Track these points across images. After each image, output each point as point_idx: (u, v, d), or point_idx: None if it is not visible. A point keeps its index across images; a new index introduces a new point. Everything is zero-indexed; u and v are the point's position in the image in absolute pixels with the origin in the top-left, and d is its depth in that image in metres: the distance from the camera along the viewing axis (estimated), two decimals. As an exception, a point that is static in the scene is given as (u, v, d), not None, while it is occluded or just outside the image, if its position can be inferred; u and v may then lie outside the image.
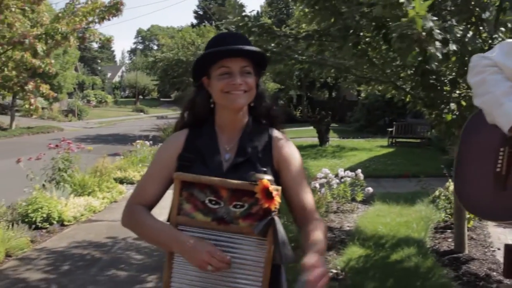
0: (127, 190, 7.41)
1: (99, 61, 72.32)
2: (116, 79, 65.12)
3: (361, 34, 3.51)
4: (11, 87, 4.88)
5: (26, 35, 4.43)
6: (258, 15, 3.78)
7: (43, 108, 24.66)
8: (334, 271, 3.76)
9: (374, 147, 13.92)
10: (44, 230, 5.15)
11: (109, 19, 5.30)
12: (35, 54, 5.11)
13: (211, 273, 1.31)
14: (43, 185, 6.02)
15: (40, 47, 4.90)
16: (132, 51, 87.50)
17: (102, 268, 4.10)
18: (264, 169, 1.35)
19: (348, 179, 6.25)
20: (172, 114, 41.28)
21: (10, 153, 10.72)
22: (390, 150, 13.32)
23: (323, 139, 13.63)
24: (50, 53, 5.62)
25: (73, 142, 7.02)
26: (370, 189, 6.31)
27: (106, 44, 6.28)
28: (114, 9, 5.08)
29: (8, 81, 4.80)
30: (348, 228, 5.13)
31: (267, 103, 1.50)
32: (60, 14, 5.35)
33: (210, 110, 1.47)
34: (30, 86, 4.93)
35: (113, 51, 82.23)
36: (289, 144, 1.48)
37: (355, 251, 4.18)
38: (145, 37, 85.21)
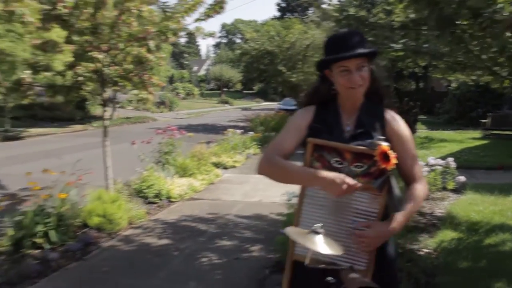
0: (222, 174, 8.01)
1: (186, 55, 75.76)
2: (201, 72, 67.82)
3: (458, 22, 3.61)
4: (130, 78, 5.56)
5: (148, 32, 5.06)
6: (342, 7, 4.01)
7: (139, 100, 26.64)
8: (426, 250, 3.92)
9: (465, 139, 13.38)
10: (155, 205, 5.84)
11: (212, 16, 5.82)
12: (148, 50, 5.73)
13: (332, 213, 1.64)
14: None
15: (152, 43, 5.52)
16: (217, 45, 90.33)
17: (209, 238, 4.62)
18: (383, 137, 1.65)
19: (439, 167, 6.25)
20: (256, 105, 42.27)
21: (115, 140, 11.90)
22: (484, 142, 12.73)
23: (411, 130, 13.35)
24: (160, 48, 6.23)
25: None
26: (462, 178, 6.26)
27: (197, 37, 6.67)
28: (218, 7, 5.57)
29: (129, 73, 5.49)
30: (439, 214, 5.19)
31: (377, 85, 1.80)
32: (168, 14, 5.93)
33: (331, 94, 1.80)
34: (146, 77, 5.58)
35: (198, 46, 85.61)
36: (400, 120, 1.78)
37: (447, 234, 4.28)
38: (229, 31, 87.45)
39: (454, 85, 19.34)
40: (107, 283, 3.55)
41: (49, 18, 4.54)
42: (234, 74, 54.17)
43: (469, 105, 18.69)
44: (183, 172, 7.15)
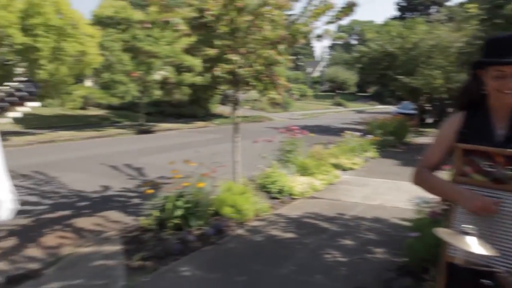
0: (341, 175, 8.06)
1: (301, 56, 76.47)
2: (315, 74, 67.90)
3: None
4: (261, 79, 5.90)
5: (282, 36, 5.34)
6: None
7: (255, 100, 27.71)
8: None
9: None
10: (277, 200, 6.13)
11: (341, 19, 5.91)
12: (278, 52, 6.01)
13: (484, 218, 1.66)
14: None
15: (283, 46, 5.79)
16: (331, 47, 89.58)
17: (331, 236, 4.74)
18: None
19: None
20: (370, 108, 41.19)
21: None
22: None
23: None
24: (288, 50, 6.48)
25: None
26: None
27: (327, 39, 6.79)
28: (349, 10, 5.65)
29: (259, 74, 5.83)
30: None
31: None
32: (295, 17, 6.14)
33: (482, 95, 1.80)
34: (275, 78, 5.88)
35: (311, 47, 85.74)
36: None
37: None
38: (345, 32, 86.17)
39: None
40: (238, 267, 3.87)
41: (196, 25, 5.04)
42: (349, 76, 53.34)
43: None
44: (303, 171, 7.35)
